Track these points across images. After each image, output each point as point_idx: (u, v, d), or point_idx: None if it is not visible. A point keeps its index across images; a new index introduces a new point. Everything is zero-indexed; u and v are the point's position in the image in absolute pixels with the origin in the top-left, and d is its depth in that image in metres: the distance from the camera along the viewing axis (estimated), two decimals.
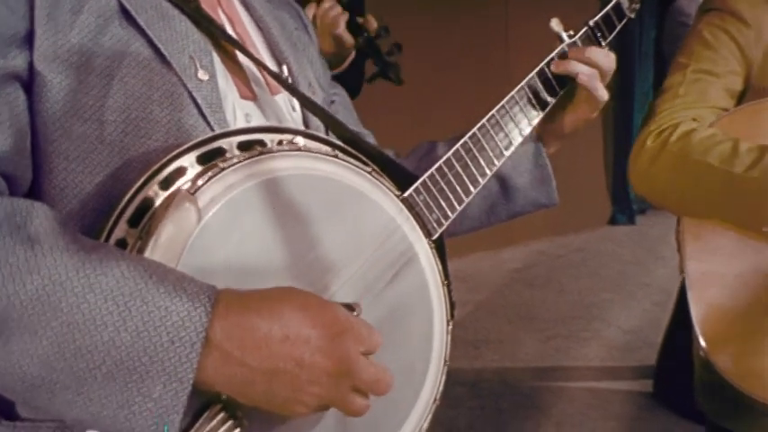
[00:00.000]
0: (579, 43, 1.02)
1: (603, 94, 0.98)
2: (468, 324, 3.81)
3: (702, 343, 1.24)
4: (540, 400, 2.99)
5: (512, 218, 1.07)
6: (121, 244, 0.64)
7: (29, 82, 0.67)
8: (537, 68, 0.97)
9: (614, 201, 5.65)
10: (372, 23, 1.74)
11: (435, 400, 0.78)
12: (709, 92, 1.28)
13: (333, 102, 1.06)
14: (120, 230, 0.64)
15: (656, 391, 2.94)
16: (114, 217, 0.65)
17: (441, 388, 0.78)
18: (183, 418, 0.57)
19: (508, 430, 2.78)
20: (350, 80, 1.70)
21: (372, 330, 0.65)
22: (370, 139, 1.11)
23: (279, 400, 0.61)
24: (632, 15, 1.14)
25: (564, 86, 0.99)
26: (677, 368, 2.50)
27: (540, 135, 1.03)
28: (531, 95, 0.96)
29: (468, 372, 3.25)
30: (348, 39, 1.65)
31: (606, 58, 0.97)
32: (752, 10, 1.28)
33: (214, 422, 0.60)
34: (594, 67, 0.97)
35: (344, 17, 1.63)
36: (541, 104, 0.97)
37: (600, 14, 1.08)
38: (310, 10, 1.61)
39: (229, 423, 0.61)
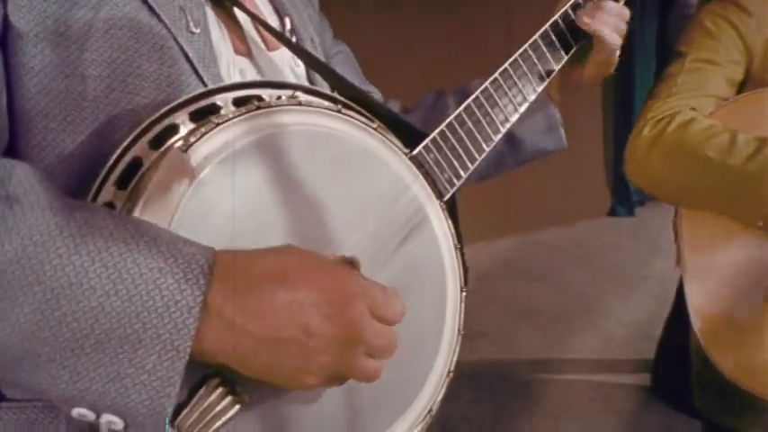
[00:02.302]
0: (572, 14, 0.97)
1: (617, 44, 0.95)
2: (465, 315, 3.79)
3: (700, 337, 1.23)
4: (538, 393, 2.98)
5: (519, 165, 1.04)
6: (109, 207, 0.60)
7: (3, 36, 0.61)
8: (551, 21, 0.93)
9: (614, 192, 5.63)
10: None
11: (450, 371, 0.74)
12: (708, 81, 1.27)
13: (333, 58, 1.01)
14: (107, 193, 0.60)
15: (653, 384, 2.93)
16: (101, 179, 0.60)
17: (455, 358, 0.75)
18: (178, 393, 0.53)
19: (505, 422, 2.77)
20: None
21: (390, 296, 0.60)
22: (377, 96, 1.07)
23: (285, 372, 0.56)
24: None
25: (580, 38, 0.95)
26: (675, 362, 2.49)
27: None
28: (545, 48, 0.92)
29: (464, 363, 3.23)
30: None
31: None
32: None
33: (212, 397, 0.56)
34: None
35: None
36: (558, 56, 0.93)
37: None
38: None
39: (229, 398, 0.57)
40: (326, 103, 0.70)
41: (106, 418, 0.53)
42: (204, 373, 0.56)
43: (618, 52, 0.96)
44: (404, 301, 0.63)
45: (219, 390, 0.56)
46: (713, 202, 1.24)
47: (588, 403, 2.87)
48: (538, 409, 2.86)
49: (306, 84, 0.81)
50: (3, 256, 0.51)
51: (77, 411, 0.54)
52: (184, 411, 0.55)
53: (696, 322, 1.23)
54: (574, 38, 0.95)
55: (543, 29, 0.93)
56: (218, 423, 0.56)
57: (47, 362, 0.52)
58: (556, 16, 0.94)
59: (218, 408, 0.56)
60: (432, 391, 0.72)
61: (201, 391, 0.56)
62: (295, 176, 0.63)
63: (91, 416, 0.54)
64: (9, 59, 0.61)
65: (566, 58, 0.95)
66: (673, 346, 2.81)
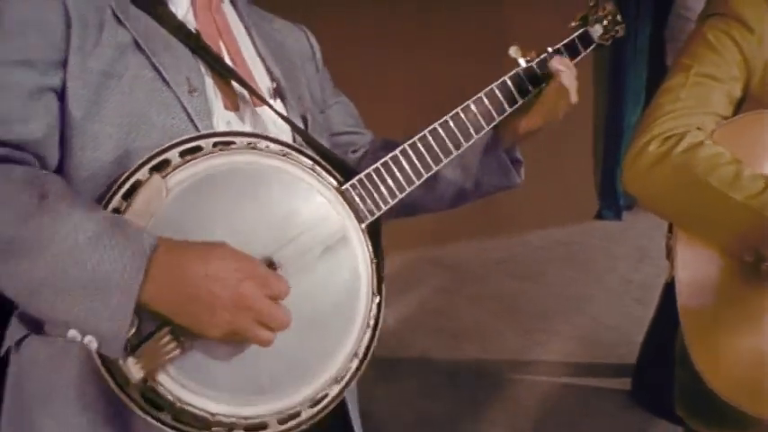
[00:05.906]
0: (535, 68, 1.13)
1: (574, 96, 1.12)
2: (449, 314, 3.80)
3: (690, 352, 1.23)
4: (518, 394, 2.99)
5: (481, 197, 1.26)
6: (116, 212, 0.87)
7: (61, 93, 0.92)
8: (495, 83, 1.11)
9: (602, 196, 5.65)
10: None
11: (356, 354, 0.96)
12: (710, 97, 1.26)
13: (328, 108, 1.26)
14: (116, 202, 0.88)
15: (634, 389, 2.94)
16: (112, 191, 0.88)
17: (363, 344, 0.96)
18: (139, 336, 0.83)
19: (484, 422, 2.78)
20: None
21: (280, 282, 0.87)
22: (368, 136, 1.31)
23: (199, 322, 0.83)
24: (607, 43, 1.21)
25: (521, 99, 1.13)
26: (656, 368, 2.50)
27: (496, 132, 1.18)
28: (488, 104, 1.10)
29: (446, 362, 3.24)
30: None
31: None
32: (756, 16, 1.26)
33: (163, 340, 0.84)
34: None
35: None
36: (493, 116, 1.12)
37: (564, 42, 1.16)
38: None
39: (174, 343, 0.84)
40: (278, 148, 0.96)
41: (87, 338, 0.82)
42: (161, 323, 0.84)
43: (571, 99, 1.12)
44: (319, 292, 0.93)
45: (168, 336, 0.85)
46: (706, 230, 1.25)
47: (567, 405, 2.88)
48: (517, 409, 2.87)
49: (288, 135, 1.08)
50: (26, 230, 0.81)
51: (71, 333, 0.82)
52: (144, 345, 0.84)
53: (686, 335, 1.24)
54: (522, 93, 1.12)
55: (485, 90, 1.11)
56: (165, 357, 0.84)
57: (53, 294, 0.81)
58: (496, 84, 1.11)
59: (166, 348, 0.85)
60: (339, 366, 0.94)
61: (156, 335, 0.84)
62: (241, 199, 0.92)
63: (78, 336, 0.82)
64: (62, 108, 0.92)
65: (498, 119, 1.12)
66: (654, 352, 2.82)
